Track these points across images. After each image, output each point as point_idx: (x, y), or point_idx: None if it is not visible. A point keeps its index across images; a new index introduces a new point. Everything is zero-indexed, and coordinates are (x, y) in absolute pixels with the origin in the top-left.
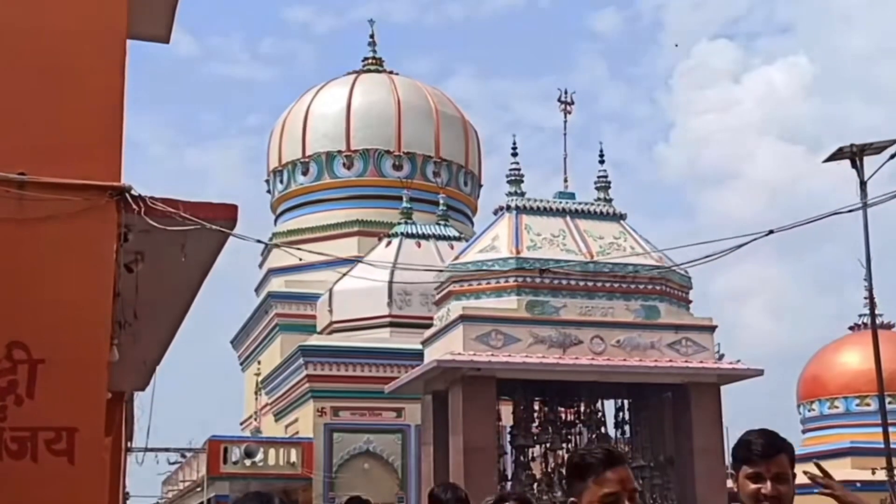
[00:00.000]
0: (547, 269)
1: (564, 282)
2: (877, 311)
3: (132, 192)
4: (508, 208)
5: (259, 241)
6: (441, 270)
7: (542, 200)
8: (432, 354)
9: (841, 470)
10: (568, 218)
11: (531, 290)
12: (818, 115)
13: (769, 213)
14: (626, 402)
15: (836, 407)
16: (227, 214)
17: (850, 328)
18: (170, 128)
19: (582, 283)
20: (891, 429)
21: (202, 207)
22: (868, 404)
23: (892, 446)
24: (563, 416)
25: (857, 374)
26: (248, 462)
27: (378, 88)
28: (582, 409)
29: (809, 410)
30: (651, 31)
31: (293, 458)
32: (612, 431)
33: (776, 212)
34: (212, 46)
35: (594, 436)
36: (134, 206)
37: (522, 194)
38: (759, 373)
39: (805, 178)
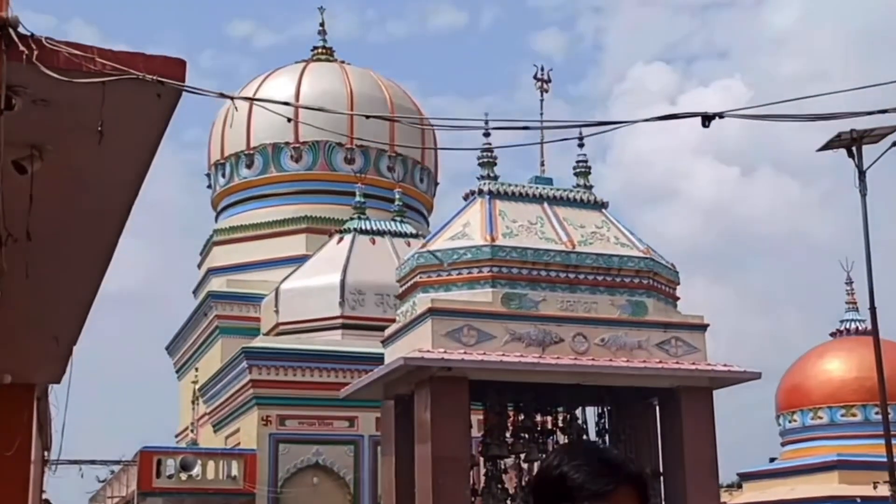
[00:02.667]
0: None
1: (544, 273)
2: (856, 317)
3: (20, 28)
4: (480, 192)
5: (222, 96)
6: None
7: (517, 185)
8: (395, 354)
9: (828, 485)
10: (546, 204)
11: (507, 282)
12: (752, 137)
13: (705, 232)
14: (608, 408)
15: (820, 417)
16: (170, 70)
17: (832, 335)
18: None
19: (563, 276)
20: (876, 441)
21: (133, 60)
22: (854, 415)
23: (880, 459)
24: (539, 423)
25: (842, 382)
26: (183, 476)
27: (329, 77)
28: (560, 416)
29: (790, 422)
30: (592, 53)
31: (234, 471)
32: (594, 440)
33: (712, 231)
34: None
35: None
36: (23, 49)
37: (495, 178)
38: (757, 376)
39: (739, 198)
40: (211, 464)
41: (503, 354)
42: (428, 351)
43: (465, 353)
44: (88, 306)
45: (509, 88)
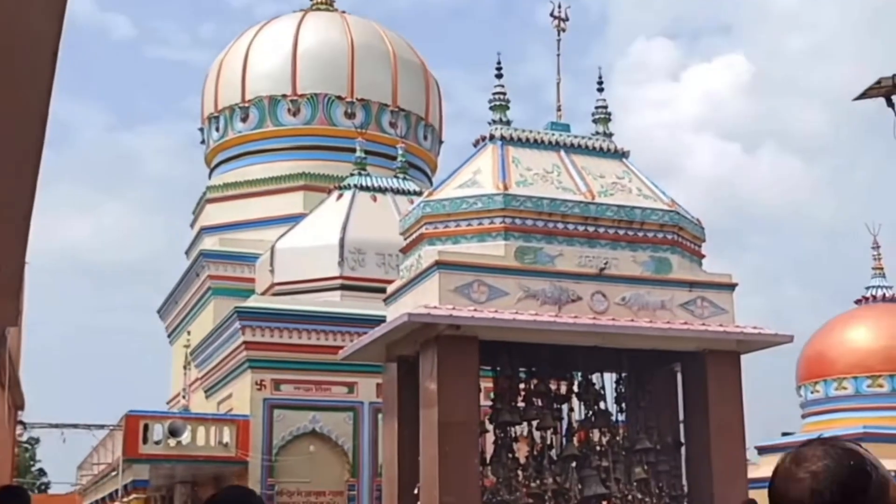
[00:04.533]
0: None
1: (560, 225)
2: (883, 283)
3: None
4: (492, 138)
5: None
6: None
7: (531, 131)
8: (398, 312)
9: None
10: (562, 152)
11: (521, 235)
12: (755, 113)
13: (707, 208)
14: (627, 374)
15: (845, 388)
16: None
17: (857, 302)
18: (104, 112)
19: (581, 228)
20: None
21: None
22: (881, 385)
23: None
24: (553, 389)
25: (868, 352)
26: (172, 442)
27: (329, 27)
28: (576, 381)
29: (813, 392)
30: (597, 26)
31: (226, 437)
32: (611, 408)
33: (714, 208)
34: (150, 29)
35: (591, 413)
36: None
37: (508, 123)
38: (789, 339)
39: (742, 175)
40: (201, 430)
41: (516, 312)
42: (435, 307)
43: (475, 310)
44: (27, 220)
45: (514, 62)
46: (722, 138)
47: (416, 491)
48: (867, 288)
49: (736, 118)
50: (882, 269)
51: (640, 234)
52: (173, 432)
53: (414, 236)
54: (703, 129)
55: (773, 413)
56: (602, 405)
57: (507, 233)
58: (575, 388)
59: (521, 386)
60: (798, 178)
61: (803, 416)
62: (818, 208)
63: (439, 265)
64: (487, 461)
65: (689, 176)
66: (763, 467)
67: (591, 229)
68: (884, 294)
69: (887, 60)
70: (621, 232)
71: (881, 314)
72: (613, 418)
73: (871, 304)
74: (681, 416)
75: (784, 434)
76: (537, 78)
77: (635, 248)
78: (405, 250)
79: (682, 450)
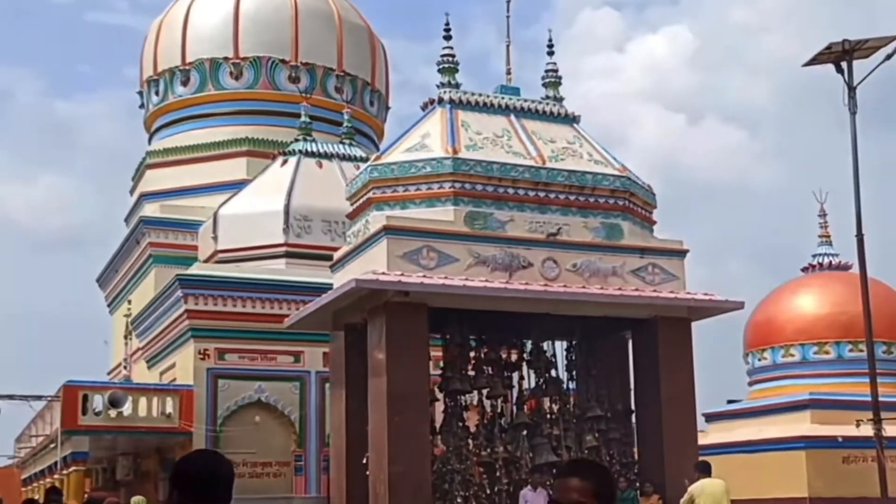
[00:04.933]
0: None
1: (511, 190)
2: (830, 251)
3: None
4: (440, 101)
5: None
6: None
7: (481, 94)
8: (345, 279)
9: (799, 424)
10: (512, 116)
11: (471, 200)
12: (699, 85)
13: (652, 179)
14: (577, 341)
15: (792, 355)
16: None
17: (804, 269)
18: (41, 78)
19: (532, 194)
20: (859, 378)
21: None
22: (827, 352)
23: (855, 398)
24: (504, 357)
25: (814, 319)
26: (112, 413)
27: None
28: (527, 349)
29: (760, 359)
30: None
31: (169, 408)
32: (562, 375)
33: (659, 179)
34: None
35: (542, 381)
36: None
37: (457, 86)
38: (740, 305)
39: (687, 146)
40: (143, 400)
41: (466, 279)
42: (383, 273)
43: (424, 276)
44: None
45: (460, 34)
46: (667, 109)
47: (364, 461)
48: (814, 256)
49: (681, 89)
50: (829, 236)
51: (592, 199)
52: (114, 403)
53: (361, 201)
54: (648, 99)
55: (719, 381)
56: (553, 373)
57: (456, 198)
58: (526, 356)
59: (472, 354)
60: (742, 150)
61: (750, 384)
62: (762, 180)
63: (387, 231)
64: (437, 430)
65: (635, 147)
66: (711, 434)
67: (541, 195)
68: (830, 261)
69: (830, 31)
70: (572, 197)
71: (828, 281)
72: (564, 386)
73: (818, 271)
74: (632, 384)
75: (730, 402)
76: (481, 50)
77: (586, 213)
78: (352, 216)
79: (633, 417)
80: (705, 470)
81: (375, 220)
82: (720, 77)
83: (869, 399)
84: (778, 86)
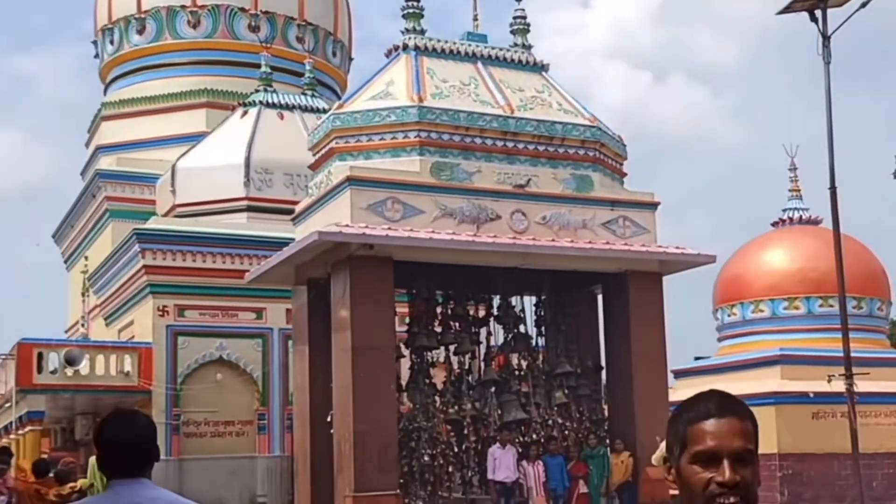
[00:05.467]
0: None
1: (478, 140)
2: (800, 205)
3: None
4: (405, 48)
5: None
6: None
7: (447, 41)
8: (307, 232)
9: (769, 380)
10: (479, 64)
11: (437, 150)
12: (664, 42)
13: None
14: (546, 296)
15: (762, 311)
16: None
17: (774, 224)
18: None
19: (500, 144)
20: (829, 334)
21: None
22: (797, 307)
23: (825, 354)
24: (471, 312)
25: (784, 274)
26: (69, 371)
27: None
28: (495, 304)
29: (729, 315)
30: None
31: (127, 366)
32: (531, 331)
33: (625, 137)
34: None
35: (510, 337)
36: None
37: (422, 32)
38: (711, 259)
39: (652, 104)
40: (100, 358)
41: (433, 231)
42: (346, 226)
43: (389, 229)
44: None
45: None
46: (632, 67)
47: (328, 419)
48: (784, 210)
49: (645, 46)
50: (799, 190)
51: (561, 150)
52: (70, 361)
53: (323, 151)
54: (613, 57)
55: (686, 339)
56: (521, 329)
57: (422, 147)
58: (494, 312)
59: (438, 309)
60: (707, 106)
61: (720, 340)
62: (727, 137)
63: (351, 181)
64: (403, 387)
65: (600, 104)
66: (679, 391)
67: (510, 145)
68: (800, 216)
69: None
70: (541, 148)
71: (798, 236)
72: (533, 342)
73: (788, 226)
74: (601, 340)
75: (697, 358)
76: (445, 5)
77: (556, 164)
78: (314, 167)
79: (603, 374)
80: None
81: (338, 170)
82: (686, 33)
83: (839, 354)
84: (744, 43)
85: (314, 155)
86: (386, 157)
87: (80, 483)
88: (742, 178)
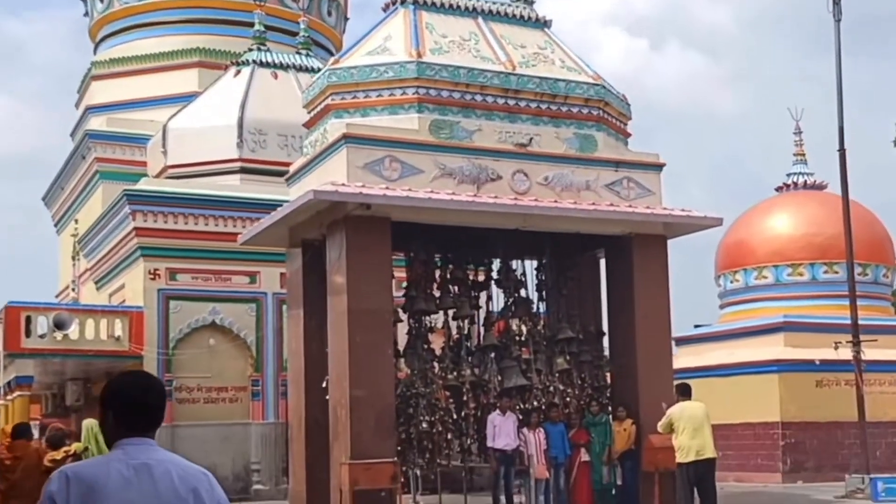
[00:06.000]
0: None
1: (479, 98)
2: (804, 170)
3: None
4: (403, 2)
5: None
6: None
7: None
8: (302, 192)
9: (772, 348)
10: (480, 19)
11: (436, 107)
12: (662, 9)
13: None
14: (548, 260)
15: (765, 277)
16: None
17: (778, 189)
18: None
19: (501, 102)
20: (834, 301)
21: None
22: (801, 274)
23: (830, 321)
24: (471, 275)
25: (788, 240)
26: (58, 336)
27: None
28: (496, 267)
29: (732, 282)
30: None
31: (118, 330)
32: (532, 296)
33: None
34: None
35: (510, 301)
36: None
37: None
38: (718, 222)
39: (648, 71)
40: (90, 322)
41: (431, 191)
42: (342, 185)
43: (386, 188)
44: None
45: None
46: (629, 34)
47: (324, 384)
48: (788, 175)
49: (643, 13)
50: (804, 154)
51: (564, 108)
52: (59, 325)
53: (319, 108)
54: (610, 23)
55: (685, 307)
56: (522, 293)
57: (420, 105)
58: (494, 275)
59: (437, 273)
60: (705, 74)
61: (722, 307)
62: (725, 105)
63: (347, 139)
64: (401, 352)
65: (597, 71)
66: (681, 358)
67: (511, 103)
68: (805, 181)
69: None
70: (544, 106)
71: (802, 201)
72: (534, 307)
73: (793, 191)
74: (604, 305)
75: (697, 326)
76: None
77: (559, 123)
78: (309, 125)
79: (605, 339)
80: (685, 392)
81: (334, 128)
82: (682, 2)
83: (843, 322)
84: (740, 9)
85: (309, 112)
86: (383, 114)
87: (75, 447)
88: (741, 147)
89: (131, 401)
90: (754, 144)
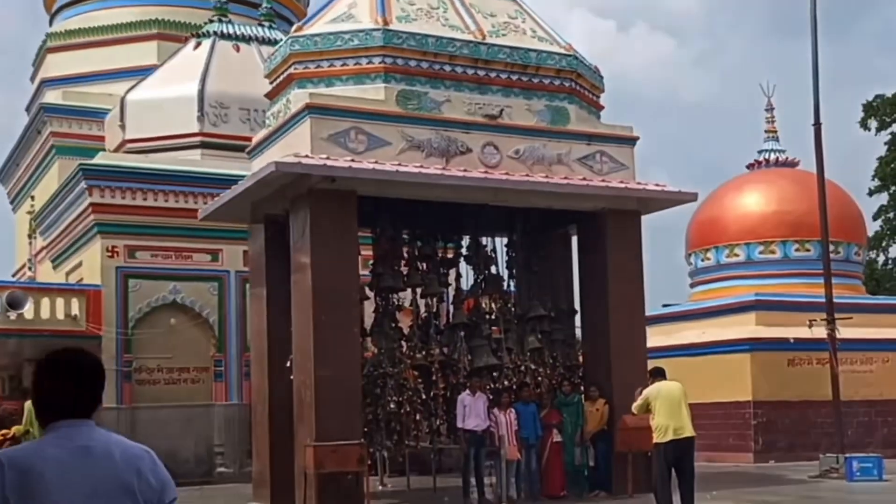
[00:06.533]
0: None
1: (448, 68)
2: (776, 147)
3: None
4: None
5: None
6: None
7: None
8: (265, 164)
9: (744, 326)
10: None
11: (404, 77)
12: None
13: None
14: (519, 236)
15: (736, 255)
16: None
17: (749, 166)
18: None
19: (471, 72)
20: (806, 279)
21: None
22: (773, 251)
23: (802, 299)
24: (440, 252)
25: (760, 217)
26: (12, 315)
27: None
28: (465, 243)
29: (703, 260)
30: None
31: (75, 310)
32: (503, 273)
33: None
34: None
35: (480, 278)
36: None
37: None
38: (693, 197)
39: (616, 53)
40: (45, 301)
41: (399, 164)
42: (306, 157)
43: (352, 160)
44: None
45: None
46: (595, 15)
47: (288, 364)
48: (759, 152)
49: None
50: (775, 132)
51: (536, 80)
52: (12, 304)
53: (281, 78)
54: (577, 4)
55: (652, 286)
56: (493, 270)
57: (387, 74)
58: (463, 252)
59: (405, 249)
60: (671, 57)
61: (692, 285)
62: (691, 87)
63: (310, 109)
64: (368, 331)
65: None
66: (651, 338)
67: (481, 73)
68: (777, 157)
69: None
70: (515, 77)
71: (774, 178)
72: (505, 284)
73: (764, 168)
74: (576, 282)
75: (665, 305)
76: None
77: (530, 95)
78: (271, 95)
79: (578, 317)
80: (660, 374)
81: (297, 98)
82: None
83: (815, 300)
84: None
85: (271, 83)
86: (349, 84)
87: (14, 430)
88: (707, 129)
89: (62, 380)
90: (719, 128)
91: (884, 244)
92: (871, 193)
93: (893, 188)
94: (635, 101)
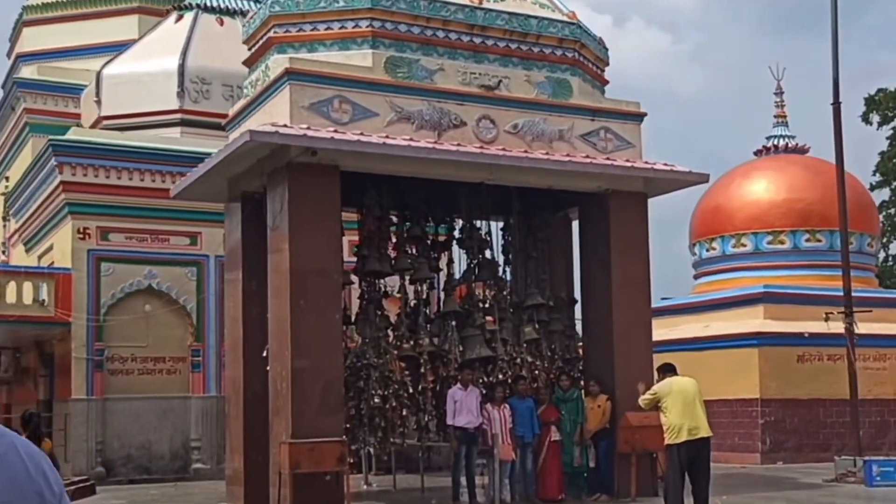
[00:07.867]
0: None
1: (441, 34)
2: (785, 132)
3: None
4: None
5: None
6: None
7: None
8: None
9: (751, 320)
10: None
11: (393, 43)
12: None
13: None
14: (516, 218)
15: (743, 245)
16: None
17: (757, 153)
18: None
19: (466, 39)
20: (817, 271)
21: None
22: (782, 241)
23: (814, 292)
24: (431, 234)
25: (769, 205)
26: None
27: None
28: (458, 225)
29: (708, 250)
30: None
31: (43, 294)
32: (498, 258)
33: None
34: None
35: (474, 263)
36: None
37: None
38: (704, 178)
39: (612, 47)
40: (11, 285)
41: (386, 137)
42: (285, 126)
43: (335, 131)
44: None
45: None
46: (592, 10)
47: (264, 354)
48: (768, 138)
49: None
50: (785, 116)
51: (536, 49)
52: None
53: (260, 43)
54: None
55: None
56: (487, 255)
57: (375, 39)
58: (456, 235)
59: (392, 231)
60: (666, 52)
61: (696, 276)
62: (687, 82)
63: (290, 75)
64: (352, 319)
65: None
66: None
67: (477, 41)
68: (786, 143)
69: None
70: (514, 46)
71: (783, 165)
72: (500, 270)
73: (773, 154)
74: (577, 269)
75: (664, 298)
76: None
77: (530, 65)
78: (249, 63)
79: (578, 307)
80: (670, 370)
81: (277, 63)
82: None
83: (826, 293)
84: None
85: (249, 49)
86: (333, 49)
87: None
88: (704, 122)
89: None
90: (717, 121)
91: (885, 240)
92: (872, 188)
93: (895, 183)
94: (631, 95)
